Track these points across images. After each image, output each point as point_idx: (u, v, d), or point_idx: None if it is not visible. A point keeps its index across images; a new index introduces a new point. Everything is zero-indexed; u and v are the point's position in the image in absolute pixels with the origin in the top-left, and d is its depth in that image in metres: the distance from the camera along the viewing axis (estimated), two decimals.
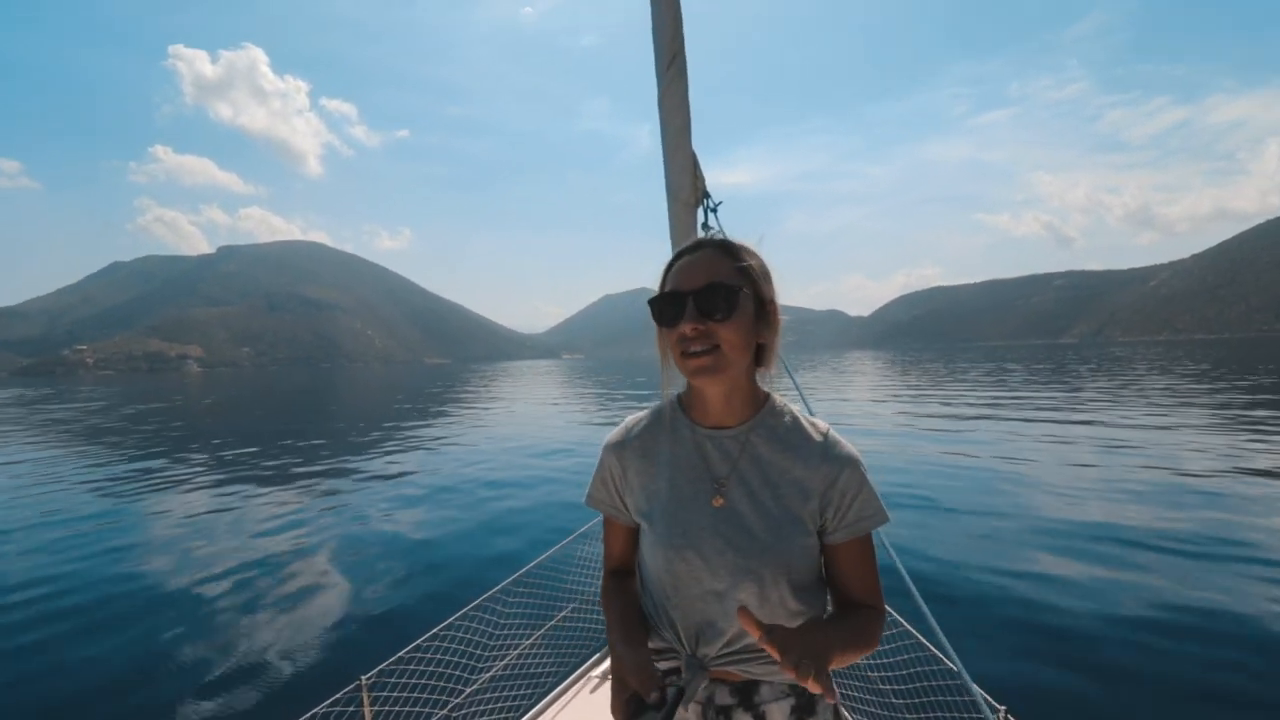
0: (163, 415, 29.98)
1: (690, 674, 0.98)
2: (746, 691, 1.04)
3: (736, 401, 1.06)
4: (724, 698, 1.05)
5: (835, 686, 0.87)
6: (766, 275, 1.03)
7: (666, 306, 1.01)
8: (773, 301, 1.03)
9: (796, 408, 1.09)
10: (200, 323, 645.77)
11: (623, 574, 1.20)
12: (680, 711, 1.00)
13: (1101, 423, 16.31)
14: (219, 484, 11.67)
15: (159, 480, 12.20)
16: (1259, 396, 21.00)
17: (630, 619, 1.10)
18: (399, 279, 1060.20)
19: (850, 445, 1.05)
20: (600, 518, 3.56)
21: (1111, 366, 47.12)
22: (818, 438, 1.04)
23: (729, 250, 1.02)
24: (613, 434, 1.18)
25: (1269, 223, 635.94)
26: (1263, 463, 10.42)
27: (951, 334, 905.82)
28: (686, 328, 0.98)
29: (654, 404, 1.19)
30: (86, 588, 6.33)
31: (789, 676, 0.89)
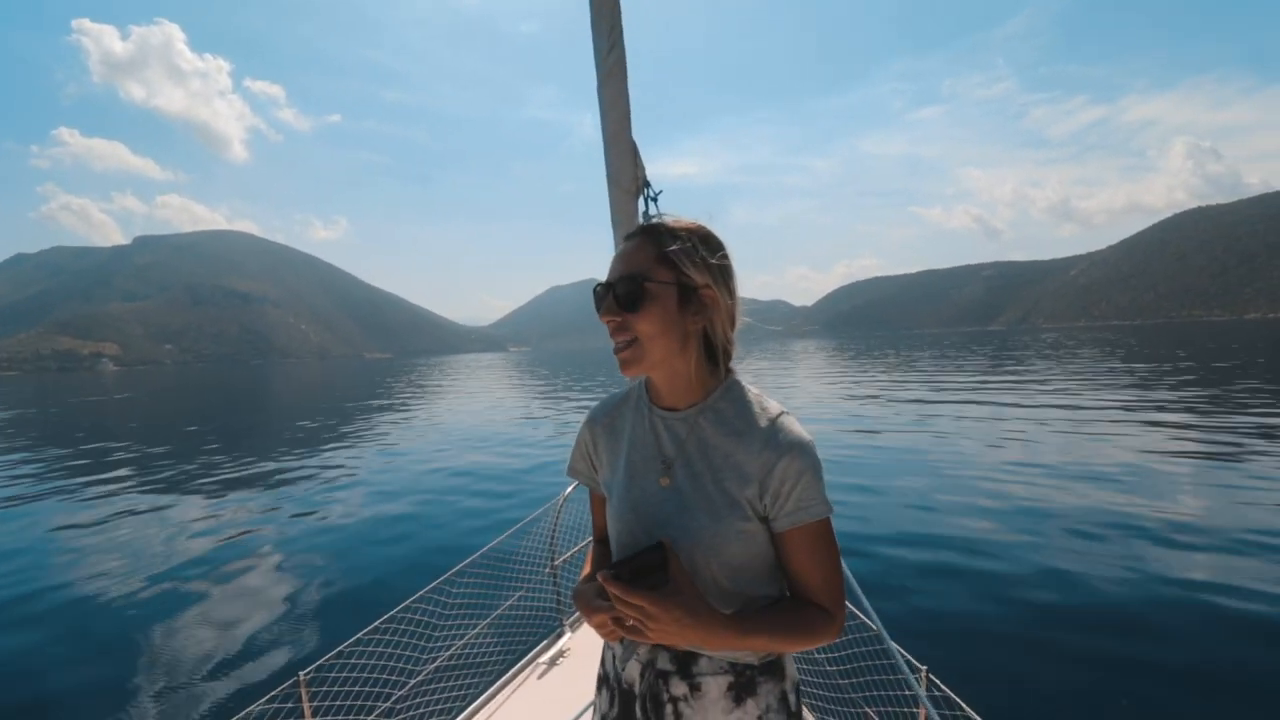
0: (78, 418, 28.58)
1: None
2: (685, 661, 1.05)
3: (680, 386, 1.06)
4: (664, 663, 1.06)
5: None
6: (698, 258, 1.00)
7: (595, 297, 1.03)
8: (709, 287, 1.01)
9: (752, 389, 1.08)
10: (115, 318, 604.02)
11: (607, 543, 1.22)
12: (625, 671, 1.09)
13: (1018, 404, 16.91)
14: (143, 487, 11.20)
15: (77, 485, 11.67)
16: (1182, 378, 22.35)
17: (599, 560, 1.19)
18: (334, 270, 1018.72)
19: (800, 432, 1.02)
20: (546, 506, 2.86)
21: (1034, 351, 49.59)
22: (764, 423, 1.03)
23: (655, 236, 1.01)
24: (592, 410, 1.22)
25: (1175, 216, 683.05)
26: (1170, 443, 10.80)
27: (891, 322, 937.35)
28: (607, 320, 1.00)
29: (630, 383, 1.21)
30: (6, 593, 6.14)
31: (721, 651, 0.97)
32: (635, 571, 0.91)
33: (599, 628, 0.98)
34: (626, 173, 2.05)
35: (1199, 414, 13.94)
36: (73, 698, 4.25)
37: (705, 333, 1.05)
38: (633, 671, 1.09)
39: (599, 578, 0.91)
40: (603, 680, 1.17)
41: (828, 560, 1.01)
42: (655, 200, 2.18)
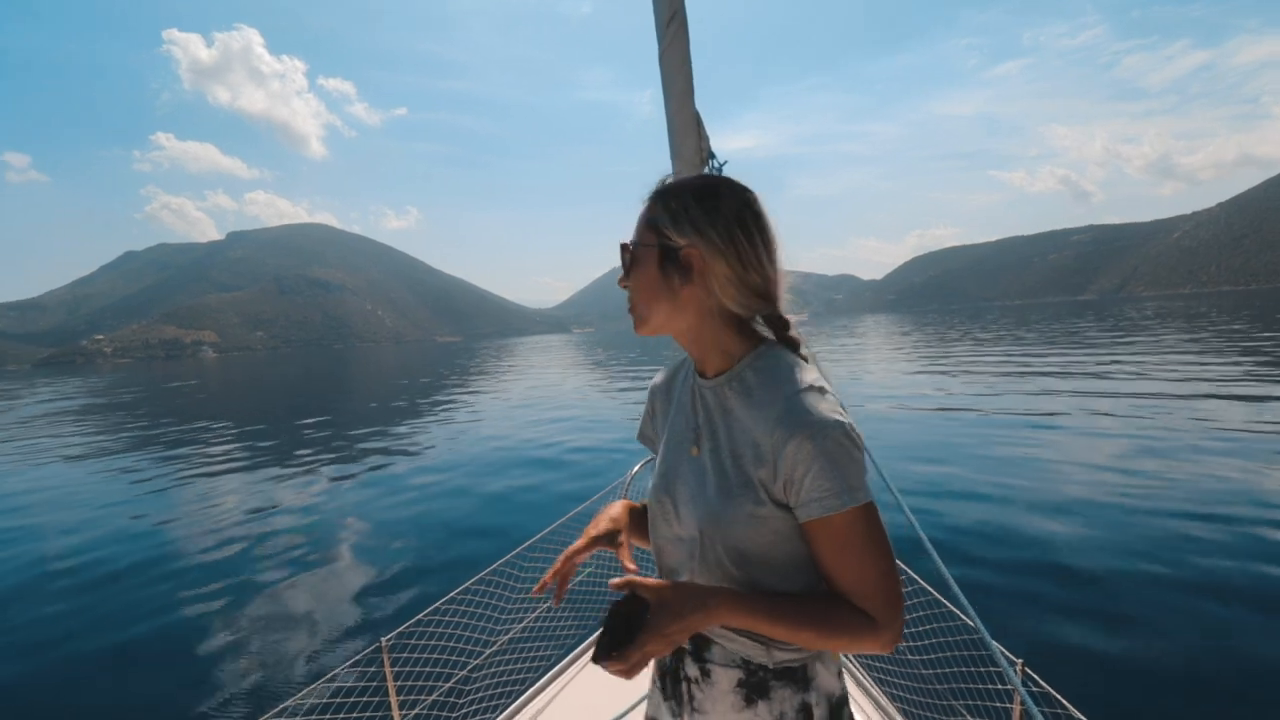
0: (188, 400, 31.48)
1: None
2: (701, 643, 1.00)
3: (707, 353, 1.01)
4: (685, 643, 1.00)
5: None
6: (689, 220, 0.94)
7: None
8: (691, 246, 0.94)
9: (793, 359, 0.96)
10: (213, 309, 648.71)
11: None
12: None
13: (1125, 380, 15.77)
14: (244, 464, 11.91)
15: (189, 461, 12.68)
16: None
17: (615, 519, 1.14)
18: (406, 258, 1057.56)
19: (820, 409, 0.87)
20: (620, 479, 2.97)
21: (1133, 322, 46.29)
22: (785, 395, 0.90)
23: (654, 198, 0.99)
24: (656, 376, 1.22)
25: None
26: None
27: (970, 294, 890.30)
28: (620, 284, 1.03)
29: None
30: (122, 557, 6.80)
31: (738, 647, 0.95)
32: (616, 632, 0.83)
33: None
34: (690, 144, 2.01)
35: None
36: (165, 654, 4.55)
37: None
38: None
39: (606, 668, 0.83)
40: None
41: (862, 558, 0.87)
42: (720, 172, 2.08)
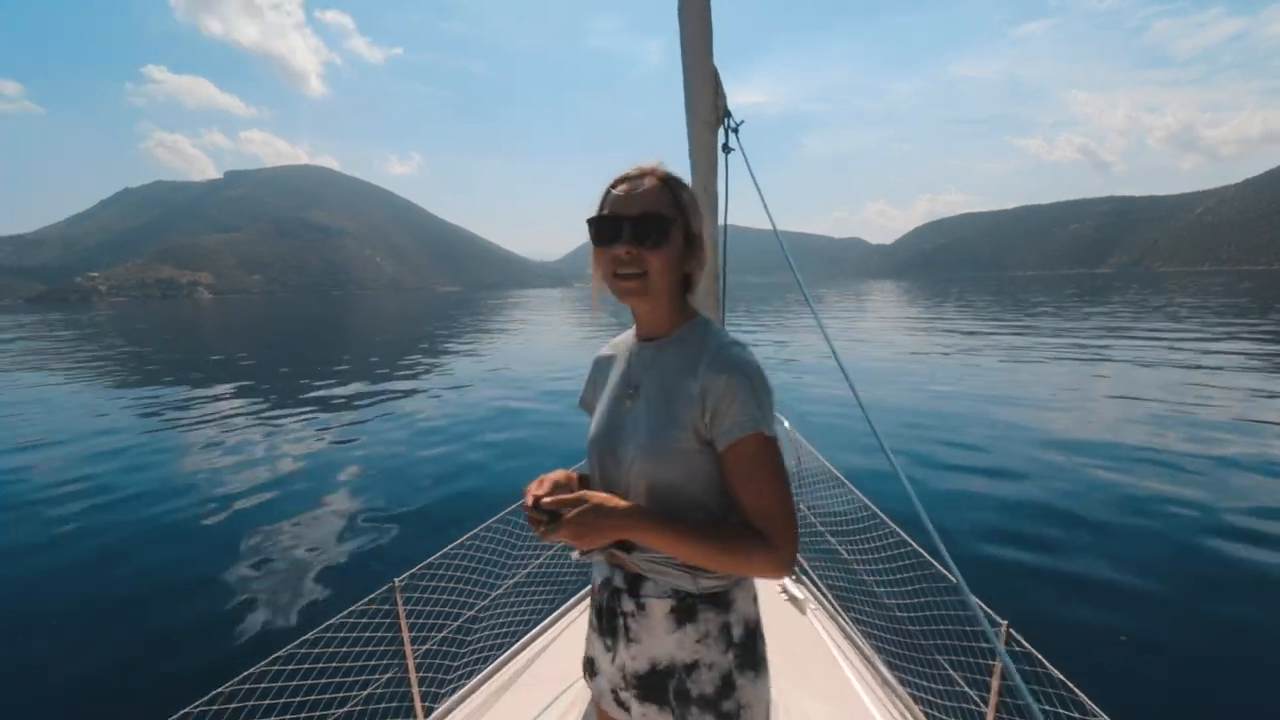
0: (189, 341, 31.70)
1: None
2: (634, 581, 1.13)
3: (660, 318, 1.15)
4: (619, 581, 1.15)
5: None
6: (698, 211, 1.12)
7: (604, 229, 1.08)
8: (700, 236, 1.12)
9: (717, 325, 1.17)
10: (210, 249, 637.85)
11: None
12: (597, 580, 1.21)
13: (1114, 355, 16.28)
14: (252, 407, 12.04)
15: (195, 402, 12.75)
16: None
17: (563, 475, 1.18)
18: (407, 204, 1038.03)
19: (748, 357, 1.07)
20: None
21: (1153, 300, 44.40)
22: (713, 348, 1.09)
23: (668, 183, 1.09)
24: (602, 349, 1.33)
25: None
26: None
27: (982, 262, 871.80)
28: (621, 250, 1.06)
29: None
30: (134, 500, 6.86)
31: (667, 577, 1.09)
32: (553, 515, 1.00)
33: (535, 527, 1.02)
34: (706, 102, 1.99)
35: None
36: (181, 594, 4.68)
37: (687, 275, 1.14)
38: (597, 585, 1.21)
39: (535, 502, 1.01)
40: (593, 590, 1.28)
41: (764, 482, 1.02)
42: (736, 131, 2.08)
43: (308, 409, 11.68)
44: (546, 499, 1.00)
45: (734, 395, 1.03)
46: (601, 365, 1.30)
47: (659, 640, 1.11)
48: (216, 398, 13.37)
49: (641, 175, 1.10)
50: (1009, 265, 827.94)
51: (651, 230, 1.05)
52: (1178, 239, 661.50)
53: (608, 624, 1.17)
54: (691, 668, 1.11)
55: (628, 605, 1.13)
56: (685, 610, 1.11)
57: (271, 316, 62.22)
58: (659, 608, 1.11)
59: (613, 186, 1.11)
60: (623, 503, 1.02)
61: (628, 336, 1.26)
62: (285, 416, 11.06)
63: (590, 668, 1.25)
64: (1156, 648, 3.68)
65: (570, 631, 2.68)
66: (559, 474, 1.12)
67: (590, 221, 1.11)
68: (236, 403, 12.67)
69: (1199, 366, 13.80)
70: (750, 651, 1.14)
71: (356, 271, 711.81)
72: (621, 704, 1.19)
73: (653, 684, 1.13)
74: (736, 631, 1.13)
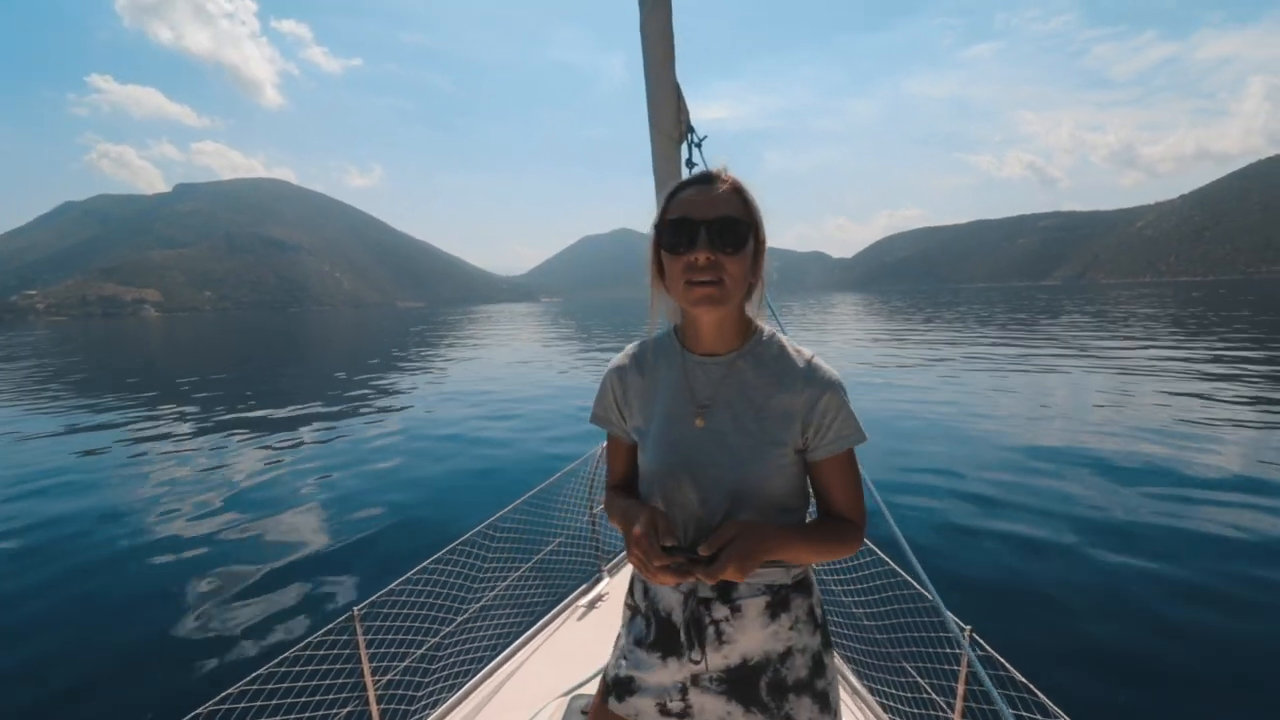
0: (124, 362, 29.76)
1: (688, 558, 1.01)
2: (725, 587, 1.12)
3: (728, 331, 1.13)
4: (705, 590, 1.12)
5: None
6: (759, 214, 1.09)
7: (680, 234, 1.04)
8: (764, 243, 1.10)
9: (783, 338, 1.17)
10: (157, 265, 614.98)
11: (625, 489, 1.28)
12: (661, 601, 1.18)
13: (1069, 362, 17.01)
14: (195, 431, 11.55)
15: (132, 428, 11.99)
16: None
17: (640, 503, 1.16)
18: (368, 218, 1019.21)
19: (833, 370, 1.12)
20: (586, 455, 2.98)
21: (1094, 309, 46.52)
22: (801, 364, 1.11)
23: (739, 189, 1.07)
24: (616, 359, 1.26)
25: (1259, 163, 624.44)
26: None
27: (938, 275, 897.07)
28: (700, 256, 1.02)
29: (656, 333, 1.26)
30: (68, 537, 6.34)
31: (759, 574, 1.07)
32: (695, 548, 0.98)
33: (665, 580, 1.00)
34: (669, 117, 2.00)
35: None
36: (131, 631, 4.45)
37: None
38: (671, 600, 1.16)
39: (700, 578, 0.97)
40: (634, 610, 1.25)
41: (857, 479, 1.14)
42: (699, 146, 2.11)
43: (254, 433, 11.17)
44: (704, 547, 0.97)
45: (838, 410, 1.09)
46: (626, 379, 1.23)
47: (752, 637, 1.12)
48: (154, 421, 12.68)
49: (713, 179, 1.08)
50: (962, 278, 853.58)
51: (731, 234, 1.03)
52: (1119, 252, 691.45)
53: (697, 636, 1.13)
54: (786, 656, 1.13)
55: (720, 612, 1.12)
56: (779, 602, 1.13)
57: (220, 335, 60.48)
58: (754, 606, 1.12)
59: (680, 189, 1.09)
60: (766, 525, 1.03)
61: (658, 349, 1.22)
62: (229, 441, 10.56)
63: (625, 686, 1.20)
64: (1107, 649, 3.77)
65: (540, 654, 2.62)
66: (647, 510, 1.05)
67: (660, 226, 1.08)
68: (177, 426, 12.07)
69: (1148, 373, 14.32)
70: (827, 629, 1.20)
71: (314, 287, 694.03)
72: (670, 713, 1.17)
73: (742, 680, 1.13)
74: (818, 612, 1.19)
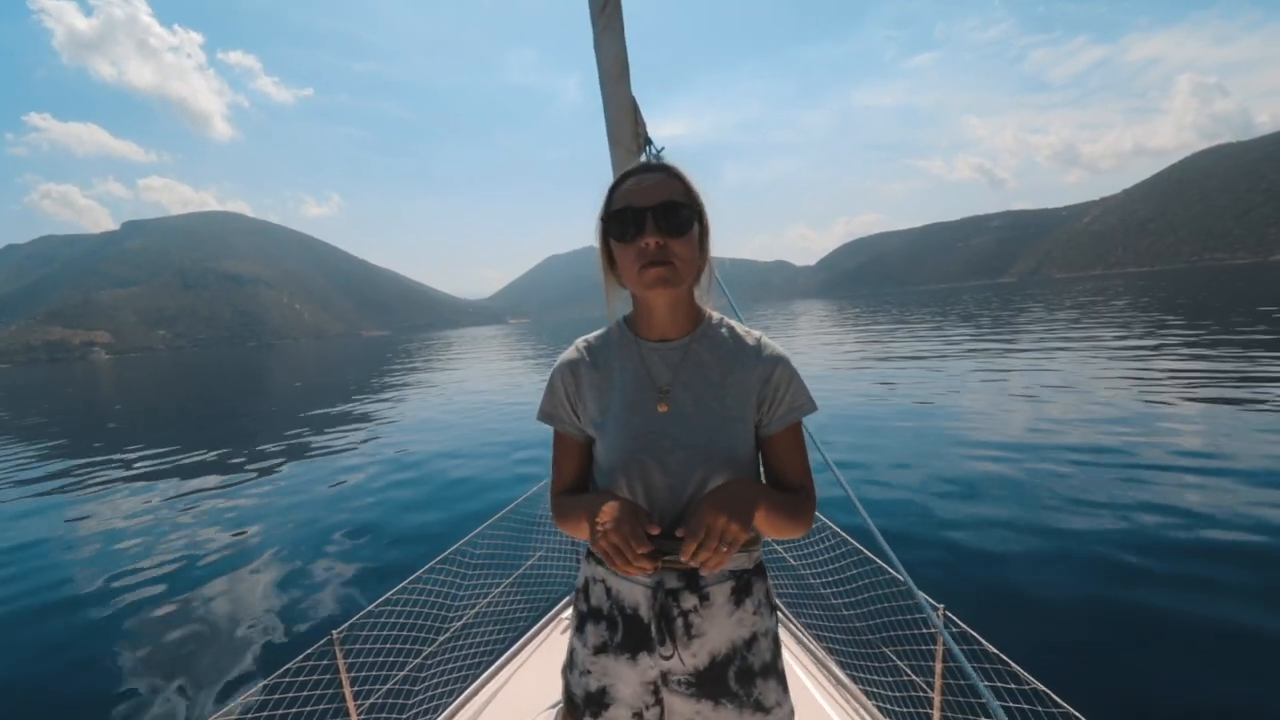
0: (86, 409, 28.52)
1: (665, 544, 1.00)
2: (693, 575, 1.11)
3: (681, 315, 1.15)
4: (672, 582, 1.12)
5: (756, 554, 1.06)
6: (700, 197, 1.11)
7: (627, 223, 1.06)
8: (708, 227, 1.12)
9: (731, 320, 1.20)
10: (106, 306, 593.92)
11: (573, 493, 1.23)
12: (627, 598, 1.15)
13: (1024, 354, 17.36)
14: (155, 471, 11.40)
15: (90, 474, 11.62)
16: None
17: (599, 493, 1.14)
18: (327, 248, 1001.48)
19: (780, 346, 1.17)
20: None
21: (1044, 303, 47.68)
22: (751, 342, 1.16)
23: (677, 174, 1.10)
24: (565, 353, 1.24)
25: (1194, 156, 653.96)
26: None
27: (898, 278, 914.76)
28: (649, 241, 1.04)
29: (602, 327, 1.27)
30: (26, 576, 6.40)
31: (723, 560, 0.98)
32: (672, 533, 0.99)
33: (640, 569, 0.99)
34: (627, 130, 2.03)
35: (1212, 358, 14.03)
36: (103, 668, 4.44)
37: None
38: (638, 595, 1.14)
39: (686, 560, 0.96)
40: (593, 615, 1.20)
41: (804, 452, 1.17)
42: (659, 157, 2.11)
43: (216, 468, 10.97)
44: (683, 530, 0.97)
45: (789, 380, 1.13)
46: (578, 373, 1.21)
47: (720, 626, 1.12)
48: (104, 462, 12.53)
49: (650, 168, 1.10)
50: (922, 279, 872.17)
51: (675, 218, 1.05)
52: (1070, 247, 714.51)
53: (664, 629, 1.12)
54: (751, 641, 1.14)
55: (689, 601, 1.12)
56: (742, 587, 1.14)
57: (174, 374, 59.25)
58: (720, 593, 1.12)
59: (622, 181, 1.10)
60: (743, 489, 1.02)
61: (609, 341, 1.22)
62: (192, 477, 10.41)
63: (599, 700, 1.17)
64: (1079, 622, 3.93)
65: (526, 669, 2.60)
66: (618, 500, 1.05)
67: (606, 218, 1.10)
68: (130, 468, 11.78)
69: (1094, 360, 14.73)
70: (776, 608, 1.22)
71: (273, 321, 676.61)
72: None
73: (712, 677, 1.13)
74: (772, 594, 1.22)
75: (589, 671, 1.18)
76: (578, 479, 1.24)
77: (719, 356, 1.15)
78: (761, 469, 1.19)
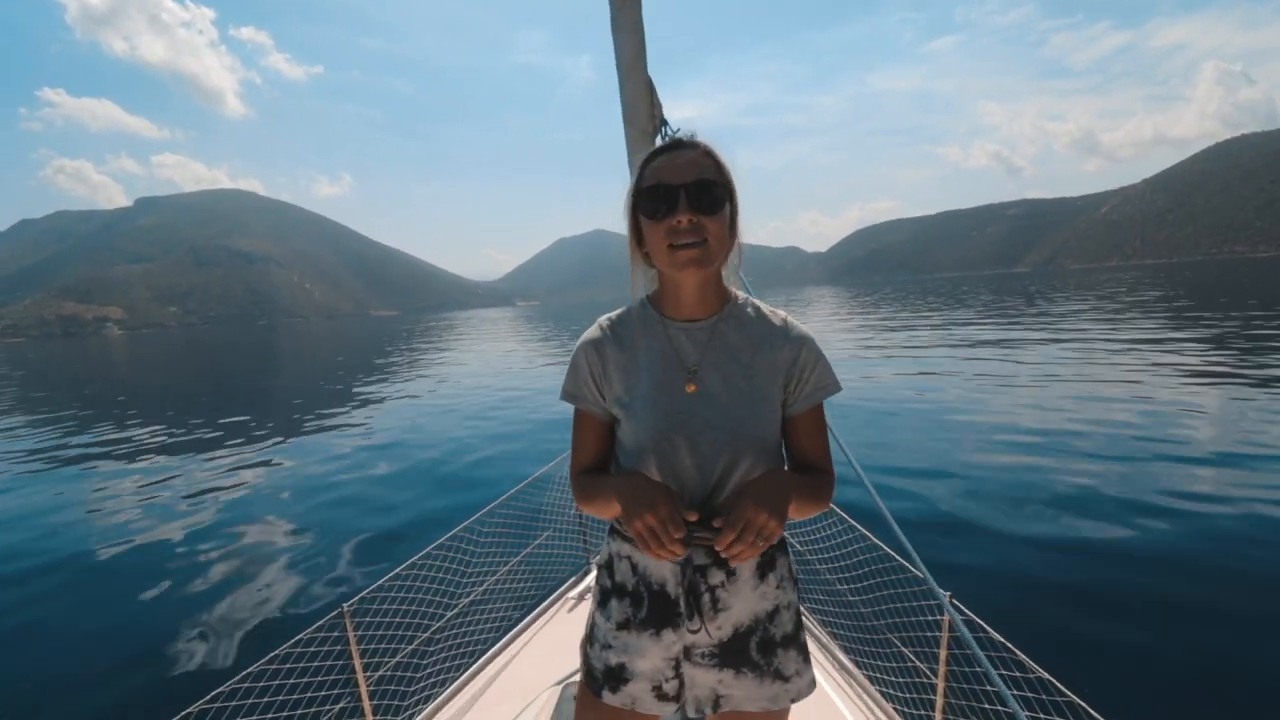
0: (106, 381, 28.97)
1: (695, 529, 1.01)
2: (718, 553, 1.09)
3: (709, 295, 1.15)
4: (700, 558, 1.12)
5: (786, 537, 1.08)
6: (732, 175, 1.09)
7: (659, 200, 1.04)
8: (738, 206, 1.11)
9: (757, 301, 1.21)
10: (120, 281, 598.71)
11: (594, 471, 1.22)
12: (654, 574, 1.15)
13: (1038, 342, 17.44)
14: (172, 443, 11.64)
15: (113, 448, 11.76)
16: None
17: (628, 473, 1.11)
18: (338, 227, 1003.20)
19: (805, 326, 1.17)
20: (565, 454, 3.57)
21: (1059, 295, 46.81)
22: (778, 322, 1.17)
23: (710, 153, 1.08)
24: (588, 332, 1.23)
25: (1217, 146, 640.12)
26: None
27: (911, 266, 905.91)
28: (682, 219, 1.03)
29: (625, 305, 1.26)
30: (56, 553, 6.41)
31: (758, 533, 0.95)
32: (709, 521, 1.00)
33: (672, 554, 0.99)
34: (642, 111, 2.01)
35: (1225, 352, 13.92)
36: (120, 634, 4.57)
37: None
38: (665, 572, 1.14)
39: (719, 550, 0.97)
40: (618, 591, 1.20)
41: (826, 431, 1.18)
42: (688, 136, 2.00)
43: (234, 442, 11.06)
44: (719, 521, 0.98)
45: (815, 361, 1.14)
46: (604, 352, 1.20)
47: (744, 599, 1.14)
48: (126, 436, 12.53)
49: (683, 145, 1.08)
50: (935, 268, 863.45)
51: (708, 195, 1.04)
52: (1086, 237, 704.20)
53: (693, 604, 1.14)
54: (774, 614, 1.16)
55: (716, 577, 1.13)
56: (766, 562, 1.16)
57: (186, 351, 59.83)
58: (746, 568, 1.13)
59: (653, 157, 1.09)
60: (779, 482, 1.02)
61: (634, 320, 1.21)
62: (208, 451, 10.52)
63: (618, 675, 1.18)
64: (1085, 612, 3.91)
65: (532, 646, 2.64)
66: (657, 485, 1.03)
67: (637, 194, 1.09)
68: (152, 440, 11.97)
69: (1113, 361, 14.16)
70: (797, 581, 1.23)
71: (284, 299, 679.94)
72: (665, 696, 1.16)
73: (734, 648, 1.14)
74: (795, 567, 1.23)
75: (610, 646, 1.19)
76: (598, 458, 1.23)
77: (746, 337, 1.15)
78: (782, 447, 1.19)
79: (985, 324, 25.54)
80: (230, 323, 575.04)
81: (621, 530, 1.19)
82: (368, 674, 2.19)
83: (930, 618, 2.15)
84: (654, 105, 2.05)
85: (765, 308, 1.19)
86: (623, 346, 1.19)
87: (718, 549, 0.97)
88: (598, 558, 1.26)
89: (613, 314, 1.24)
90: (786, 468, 1.19)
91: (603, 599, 1.23)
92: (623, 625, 1.18)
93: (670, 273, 1.11)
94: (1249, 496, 5.55)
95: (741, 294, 1.22)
